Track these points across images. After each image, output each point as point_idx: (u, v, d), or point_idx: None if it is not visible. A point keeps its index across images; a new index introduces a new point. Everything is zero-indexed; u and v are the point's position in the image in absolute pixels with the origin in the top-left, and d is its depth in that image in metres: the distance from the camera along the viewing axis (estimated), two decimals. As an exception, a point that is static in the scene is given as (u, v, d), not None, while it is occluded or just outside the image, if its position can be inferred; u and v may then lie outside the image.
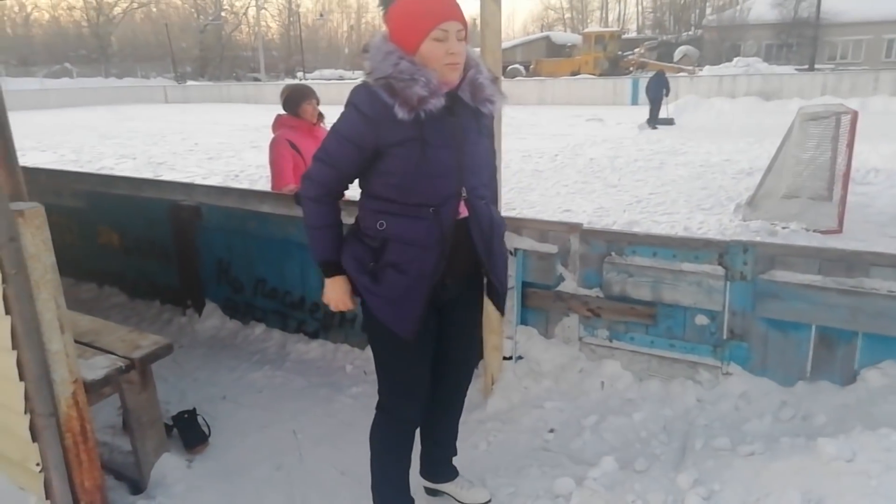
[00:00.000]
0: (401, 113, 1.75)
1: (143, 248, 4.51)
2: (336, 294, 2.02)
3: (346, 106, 1.87)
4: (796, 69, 29.44)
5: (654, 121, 18.07)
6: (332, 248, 1.98)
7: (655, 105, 18.27)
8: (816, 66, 31.26)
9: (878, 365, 2.50)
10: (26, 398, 2.05)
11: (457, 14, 1.82)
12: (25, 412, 2.06)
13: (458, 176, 1.88)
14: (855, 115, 7.10)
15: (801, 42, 36.47)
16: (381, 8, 1.91)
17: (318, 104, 3.97)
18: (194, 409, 2.99)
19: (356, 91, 1.85)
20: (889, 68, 27.52)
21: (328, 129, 4.23)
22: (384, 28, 1.90)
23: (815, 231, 6.84)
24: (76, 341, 2.58)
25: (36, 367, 2.03)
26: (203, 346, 3.93)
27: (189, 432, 2.92)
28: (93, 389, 2.33)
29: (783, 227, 6.99)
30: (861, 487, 1.83)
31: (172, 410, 3.02)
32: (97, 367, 2.43)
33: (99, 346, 2.58)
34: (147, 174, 12.21)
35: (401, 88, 1.76)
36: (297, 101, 3.90)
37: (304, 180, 1.95)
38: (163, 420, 2.78)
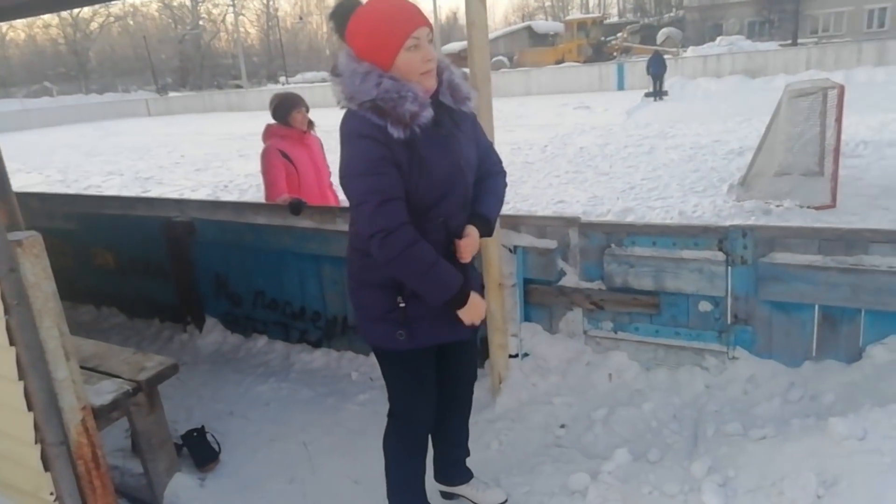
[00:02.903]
0: (395, 132, 1.73)
1: (138, 267, 4.48)
2: (479, 304, 1.96)
3: (350, 140, 1.79)
4: (780, 45, 29.55)
5: (658, 93, 21.72)
6: (456, 273, 1.88)
7: (658, 80, 21.76)
8: (799, 40, 31.35)
9: (882, 341, 2.51)
10: (36, 428, 2.03)
11: (423, 18, 1.79)
12: (36, 442, 2.05)
13: (461, 183, 1.90)
14: (842, 89, 7.12)
15: (782, 17, 36.58)
16: (333, 28, 1.86)
17: (307, 112, 3.95)
18: (203, 427, 2.98)
19: (349, 121, 1.80)
20: (871, 39, 27.61)
21: (318, 136, 4.22)
22: (346, 48, 1.84)
23: (809, 207, 6.88)
24: (81, 367, 2.57)
25: (44, 396, 2.02)
26: (206, 362, 3.91)
27: (199, 450, 2.91)
28: (101, 415, 2.33)
29: (777, 206, 7.02)
30: (875, 465, 1.84)
31: (181, 429, 3.01)
32: (104, 391, 2.42)
33: (104, 370, 2.57)
34: (135, 190, 12.17)
35: (390, 108, 1.74)
36: (286, 109, 3.88)
37: (385, 241, 1.75)
38: (172, 440, 2.77)
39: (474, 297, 1.93)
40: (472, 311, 1.94)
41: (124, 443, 2.99)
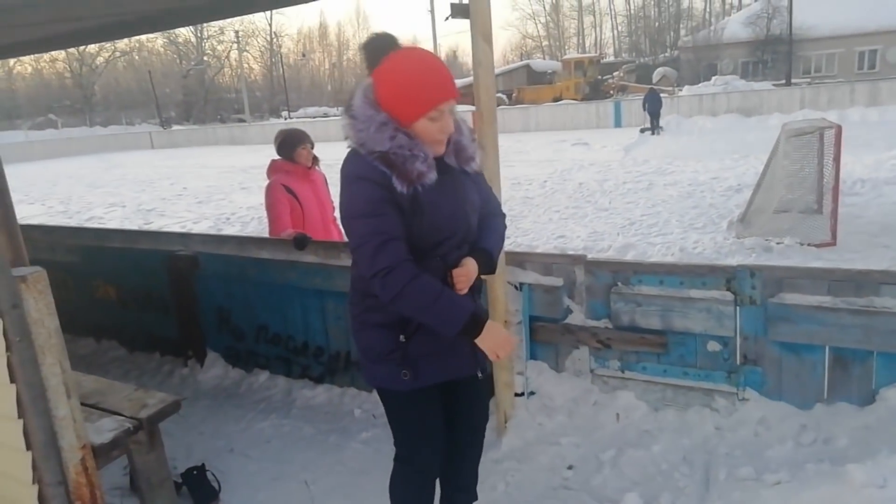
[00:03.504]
0: (399, 186, 1.75)
1: (140, 301, 4.45)
2: (501, 334, 1.88)
3: (351, 181, 1.80)
4: (773, 84, 30.00)
5: (655, 127, 22.36)
6: (465, 299, 1.86)
7: (655, 116, 22.51)
8: (793, 80, 31.86)
9: (896, 384, 2.48)
10: (34, 468, 1.98)
11: (453, 90, 1.80)
12: (33, 482, 2.00)
13: (463, 235, 1.92)
14: (839, 129, 7.20)
15: (775, 58, 37.25)
16: (363, 58, 1.86)
17: (312, 148, 3.98)
18: (203, 465, 2.93)
19: (353, 163, 1.81)
20: (862, 80, 28.12)
21: (323, 172, 4.24)
22: (368, 81, 1.84)
23: (809, 245, 6.88)
24: (82, 403, 2.53)
25: (43, 435, 1.97)
26: (207, 398, 3.86)
27: (199, 489, 2.85)
28: (101, 454, 2.27)
29: (777, 243, 7.02)
30: (896, 514, 1.79)
31: (180, 467, 2.95)
32: (104, 429, 2.37)
33: (105, 407, 2.53)
34: (137, 221, 12.18)
35: (400, 163, 1.75)
36: (291, 145, 3.90)
37: (387, 280, 1.75)
38: (172, 478, 2.71)
39: (493, 324, 1.86)
40: (493, 340, 1.84)
41: (122, 480, 2.93)
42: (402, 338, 1.91)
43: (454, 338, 1.84)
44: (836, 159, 7.20)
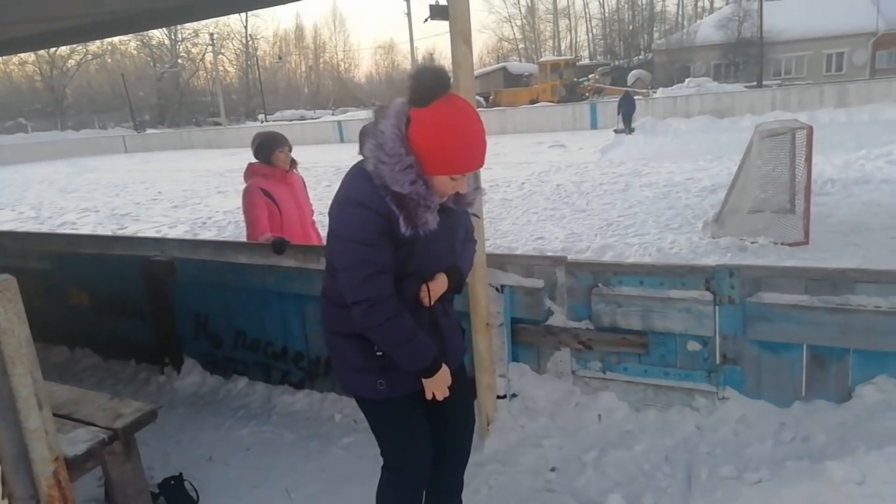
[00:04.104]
0: (403, 228, 1.77)
1: (115, 307, 4.36)
2: (447, 379, 2.00)
3: (354, 205, 1.78)
4: (745, 86, 30.50)
5: (628, 128, 23.19)
6: (430, 344, 1.93)
7: (628, 118, 23.35)
8: (764, 82, 32.42)
9: (872, 381, 2.51)
10: (4, 482, 1.92)
11: (482, 161, 1.82)
12: (3, 497, 1.94)
13: (453, 255, 2.01)
14: (810, 130, 7.33)
15: (747, 60, 37.89)
16: (409, 93, 1.77)
17: (290, 151, 3.93)
18: (181, 475, 2.88)
19: (362, 188, 1.78)
20: (830, 82, 28.70)
21: (301, 175, 4.20)
22: (403, 107, 1.77)
23: (783, 244, 6.99)
24: (54, 414, 2.46)
25: (13, 448, 1.92)
26: (184, 405, 3.79)
27: (177, 500, 2.81)
28: (75, 466, 2.21)
29: (752, 242, 7.13)
30: (875, 510, 1.81)
31: (157, 477, 2.90)
32: (78, 440, 2.30)
33: (78, 417, 2.46)
34: (111, 226, 11.97)
35: (412, 207, 1.76)
36: (269, 148, 3.86)
37: (369, 311, 1.80)
38: (148, 488, 2.65)
39: (444, 371, 1.97)
40: (440, 384, 1.97)
41: (96, 492, 2.86)
42: (377, 349, 1.94)
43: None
44: (808, 159, 7.33)
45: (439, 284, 1.96)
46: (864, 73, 34.19)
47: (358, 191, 1.79)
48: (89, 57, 57.59)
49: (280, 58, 64.36)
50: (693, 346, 2.83)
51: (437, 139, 1.73)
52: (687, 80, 31.45)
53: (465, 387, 2.23)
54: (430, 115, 1.73)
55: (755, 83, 32.19)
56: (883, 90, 23.06)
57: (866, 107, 21.97)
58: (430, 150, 1.75)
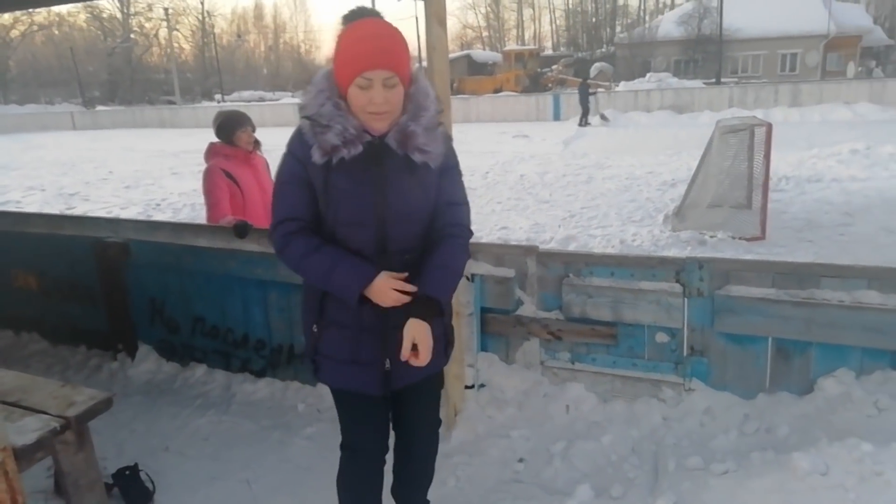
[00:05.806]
0: (315, 156, 1.72)
1: (64, 290, 4.17)
2: (388, 284, 1.74)
3: (282, 155, 1.83)
4: (704, 83, 31.11)
5: (582, 119, 23.81)
6: (344, 253, 1.76)
7: (584, 109, 23.80)
8: (722, 79, 33.13)
9: (833, 374, 2.58)
10: (-55, 476, 1.80)
11: (384, 61, 1.67)
12: (-56, 492, 1.81)
13: (378, 226, 1.77)
14: (769, 127, 7.51)
15: (706, 57, 38.61)
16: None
17: (253, 131, 3.80)
18: (136, 465, 2.76)
19: (290, 138, 1.82)
20: (784, 81, 29.53)
21: (264, 156, 4.07)
22: None
23: (740, 238, 7.15)
24: (1, 401, 2.33)
25: (-44, 440, 1.79)
26: (139, 393, 3.64)
27: (131, 491, 2.70)
28: (23, 456, 2.08)
29: (711, 236, 7.27)
30: (840, 501, 1.85)
31: (111, 467, 2.78)
32: (27, 429, 2.17)
33: (28, 405, 2.32)
34: (59, 206, 11.49)
35: (318, 132, 1.72)
36: (231, 128, 3.72)
37: (283, 251, 1.80)
38: (102, 479, 2.53)
39: (380, 279, 1.74)
40: (378, 294, 1.74)
41: (46, 483, 2.73)
42: (314, 327, 1.91)
43: (359, 351, 1.85)
44: (767, 156, 7.51)
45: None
46: (815, 75, 35.29)
47: (291, 136, 1.80)
48: (35, 28, 55.11)
49: (239, 36, 62.81)
50: (661, 337, 2.85)
51: (338, 46, 1.72)
52: (648, 75, 31.87)
53: (433, 379, 2.17)
54: (339, 36, 1.74)
55: (714, 80, 32.86)
56: (833, 91, 23.84)
57: (818, 107, 22.71)
58: (335, 61, 1.73)
